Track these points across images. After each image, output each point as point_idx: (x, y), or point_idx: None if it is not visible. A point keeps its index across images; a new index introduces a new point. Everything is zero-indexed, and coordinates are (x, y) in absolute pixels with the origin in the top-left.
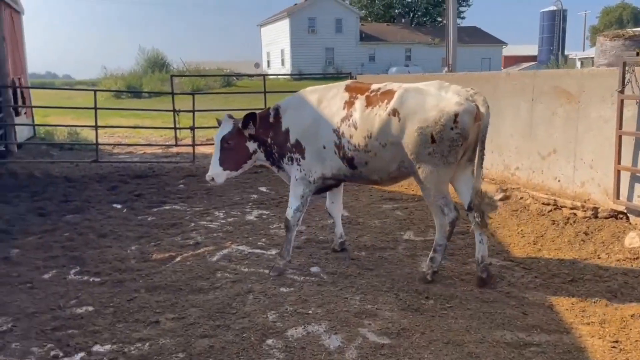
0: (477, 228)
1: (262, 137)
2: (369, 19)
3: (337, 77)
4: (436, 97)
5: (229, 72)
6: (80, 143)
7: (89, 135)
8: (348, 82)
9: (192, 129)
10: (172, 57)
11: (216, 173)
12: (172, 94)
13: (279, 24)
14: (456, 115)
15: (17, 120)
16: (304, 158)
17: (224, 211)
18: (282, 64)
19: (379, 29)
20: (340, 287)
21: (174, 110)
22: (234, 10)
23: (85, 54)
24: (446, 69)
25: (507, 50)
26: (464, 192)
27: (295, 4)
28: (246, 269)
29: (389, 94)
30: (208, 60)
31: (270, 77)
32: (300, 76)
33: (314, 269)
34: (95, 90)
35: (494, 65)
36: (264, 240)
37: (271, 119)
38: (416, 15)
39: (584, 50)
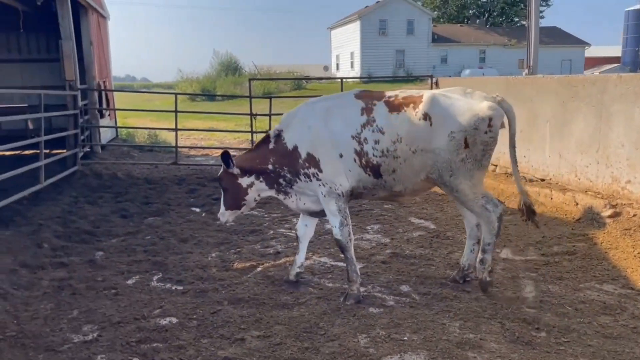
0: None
1: (260, 167)
2: (442, 20)
3: (408, 80)
4: (467, 102)
5: (298, 75)
6: (160, 145)
7: (167, 137)
8: (355, 90)
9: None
10: (245, 61)
11: (221, 213)
12: (250, 97)
13: (349, 26)
14: (490, 119)
15: (101, 122)
16: (321, 171)
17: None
18: (352, 66)
19: (451, 30)
20: (436, 311)
21: (251, 114)
22: (304, 14)
23: (162, 57)
24: (526, 71)
25: (587, 52)
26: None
27: (367, 6)
28: (330, 284)
29: (413, 98)
30: (278, 64)
31: (345, 79)
32: (370, 79)
33: (404, 288)
34: (175, 94)
35: (575, 67)
36: None
37: (271, 145)
38: (491, 16)
39: None
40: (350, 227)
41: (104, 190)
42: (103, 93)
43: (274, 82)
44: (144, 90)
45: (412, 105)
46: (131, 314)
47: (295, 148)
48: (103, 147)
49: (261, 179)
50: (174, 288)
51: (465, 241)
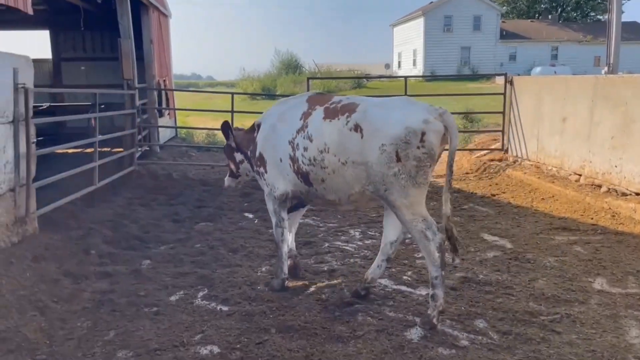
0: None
1: (243, 149)
2: (511, 15)
3: (473, 78)
4: (402, 113)
5: (359, 73)
6: (218, 146)
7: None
8: (311, 92)
9: None
10: (305, 59)
11: (225, 179)
12: None
13: (413, 23)
14: (423, 133)
15: (160, 121)
16: (266, 172)
17: (360, 230)
18: (414, 64)
19: (522, 25)
20: (520, 357)
21: None
22: (366, 12)
23: (227, 56)
24: (605, 69)
25: None
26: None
27: (431, 2)
28: (392, 314)
29: (350, 107)
30: (338, 62)
31: (409, 78)
32: (433, 77)
33: (480, 324)
34: (232, 94)
35: None
36: (409, 274)
37: (255, 134)
38: (565, 10)
39: None
40: (285, 228)
41: (158, 192)
42: (163, 92)
43: (334, 81)
44: (200, 89)
45: (346, 114)
46: (170, 339)
47: (256, 145)
48: (161, 146)
49: (247, 161)
50: (218, 308)
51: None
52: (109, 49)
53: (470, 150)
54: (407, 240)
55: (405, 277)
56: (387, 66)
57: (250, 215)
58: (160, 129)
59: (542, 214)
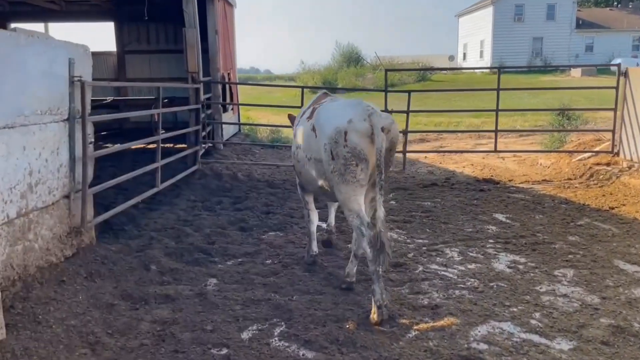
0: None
1: None
2: (588, 4)
3: (546, 70)
4: (336, 114)
5: (422, 65)
6: (283, 144)
7: (290, 133)
8: (321, 92)
9: (405, 132)
10: (366, 52)
11: None
12: (386, 90)
13: (480, 12)
14: (345, 132)
15: (224, 117)
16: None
17: (457, 250)
18: (481, 56)
19: (601, 14)
20: None
21: (387, 111)
22: (430, 2)
23: (284, 49)
24: None
25: None
26: None
27: None
28: None
29: (318, 109)
30: (401, 55)
31: (473, 70)
32: (502, 69)
33: None
34: (302, 87)
35: None
36: (537, 315)
37: None
38: None
39: None
40: (309, 210)
41: (223, 194)
42: (227, 86)
43: (397, 73)
44: (266, 83)
45: (313, 116)
46: None
47: None
48: (224, 143)
49: None
50: (301, 354)
51: None
52: (173, 41)
53: (569, 152)
54: (519, 265)
55: (533, 321)
56: (452, 58)
57: (324, 225)
58: (224, 125)
59: None
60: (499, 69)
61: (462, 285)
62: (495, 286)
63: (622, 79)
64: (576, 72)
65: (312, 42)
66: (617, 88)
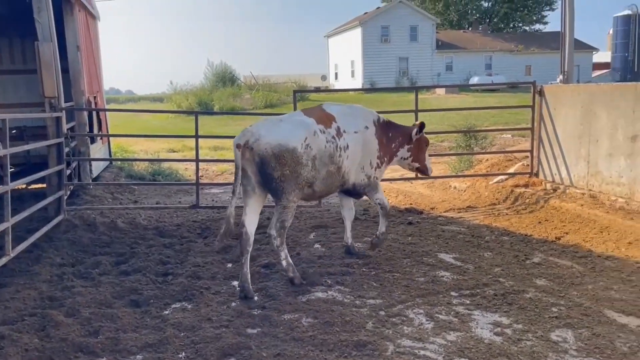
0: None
1: None
2: (444, 26)
3: (410, 90)
4: None
5: (297, 84)
6: (182, 182)
7: (171, 165)
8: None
9: None
10: (241, 71)
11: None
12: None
13: (349, 33)
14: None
15: (92, 149)
16: None
17: (422, 311)
18: (352, 75)
19: (456, 36)
20: None
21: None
22: (299, 22)
23: (147, 68)
24: (560, 77)
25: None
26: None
27: (366, 13)
28: None
29: None
30: (275, 74)
31: (345, 91)
32: (371, 89)
33: None
34: (196, 113)
35: (583, 72)
36: None
37: None
38: (492, 22)
39: None
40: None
41: (100, 251)
42: (94, 113)
43: (276, 94)
44: (147, 109)
45: None
46: None
47: None
48: (94, 179)
49: None
50: None
51: None
52: (21, 59)
53: (484, 175)
54: (505, 330)
55: None
56: (324, 77)
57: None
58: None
59: None
60: (416, 89)
61: None
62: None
63: (537, 97)
64: (441, 91)
65: (179, 61)
66: (533, 107)
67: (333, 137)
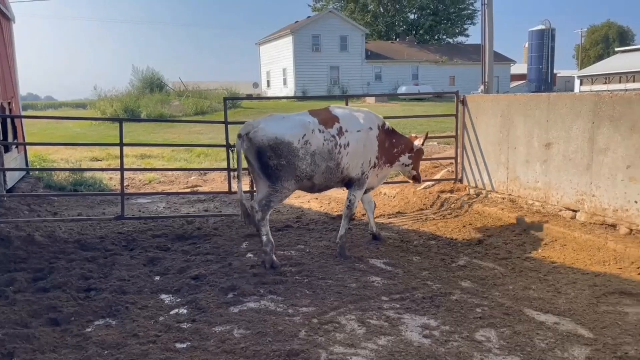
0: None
1: None
2: (373, 36)
3: (341, 98)
4: None
5: (229, 91)
6: (106, 192)
7: (94, 174)
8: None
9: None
10: (169, 77)
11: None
12: (226, 122)
13: (281, 41)
14: None
15: (6, 157)
16: None
17: (353, 317)
18: (284, 83)
19: (384, 47)
20: None
21: (228, 146)
22: (230, 29)
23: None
24: (481, 87)
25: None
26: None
27: (297, 21)
28: None
29: None
30: (206, 80)
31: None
32: (305, 97)
33: None
34: (120, 120)
35: (502, 83)
36: None
37: None
38: (418, 33)
39: (580, 68)
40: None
41: (16, 267)
42: (8, 120)
43: (207, 100)
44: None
45: None
46: None
47: None
48: (9, 190)
49: None
50: None
51: None
52: None
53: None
54: (434, 332)
55: None
56: (256, 85)
57: (169, 297)
58: (7, 169)
59: (566, 269)
60: (346, 97)
61: None
62: None
63: (460, 106)
64: (371, 99)
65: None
66: (456, 116)
67: (333, 136)
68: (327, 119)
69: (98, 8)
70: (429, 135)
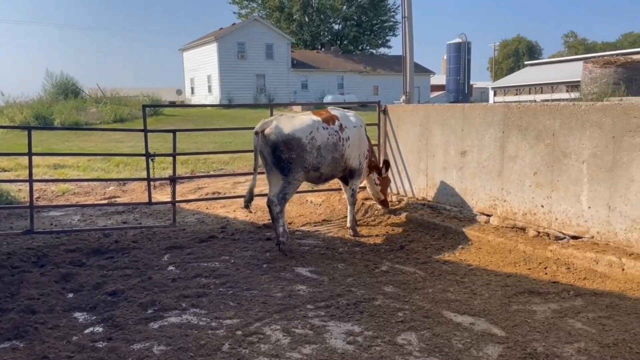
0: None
1: None
2: (299, 45)
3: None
4: None
5: (150, 98)
6: (14, 205)
7: (0, 185)
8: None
9: (173, 179)
10: (86, 83)
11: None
12: (145, 130)
13: (205, 48)
14: None
15: None
16: None
17: (278, 326)
18: (209, 90)
19: (310, 56)
20: None
21: (148, 155)
22: (152, 34)
23: None
24: (403, 97)
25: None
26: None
27: (221, 28)
28: None
29: None
30: (126, 86)
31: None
32: (229, 105)
33: None
34: (29, 128)
35: (423, 93)
36: None
37: None
38: (343, 44)
39: (494, 80)
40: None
41: None
42: None
43: (127, 107)
44: None
45: None
46: None
47: None
48: None
49: None
50: None
51: None
52: None
53: (338, 190)
54: (357, 338)
55: None
56: (180, 92)
57: (83, 315)
58: None
59: (481, 271)
60: (271, 106)
61: None
62: None
63: (382, 116)
64: (297, 108)
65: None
66: (378, 125)
67: (336, 132)
68: (329, 118)
69: (3, 8)
70: None
